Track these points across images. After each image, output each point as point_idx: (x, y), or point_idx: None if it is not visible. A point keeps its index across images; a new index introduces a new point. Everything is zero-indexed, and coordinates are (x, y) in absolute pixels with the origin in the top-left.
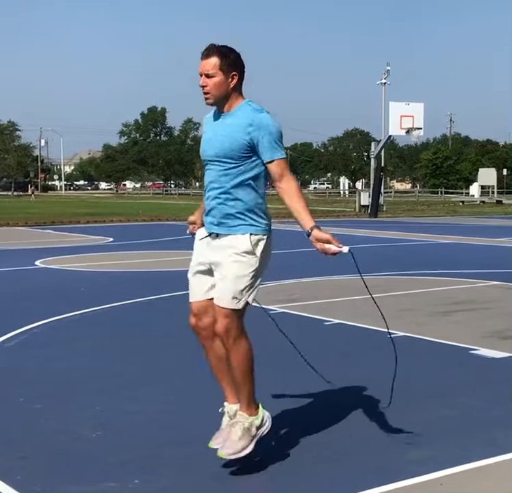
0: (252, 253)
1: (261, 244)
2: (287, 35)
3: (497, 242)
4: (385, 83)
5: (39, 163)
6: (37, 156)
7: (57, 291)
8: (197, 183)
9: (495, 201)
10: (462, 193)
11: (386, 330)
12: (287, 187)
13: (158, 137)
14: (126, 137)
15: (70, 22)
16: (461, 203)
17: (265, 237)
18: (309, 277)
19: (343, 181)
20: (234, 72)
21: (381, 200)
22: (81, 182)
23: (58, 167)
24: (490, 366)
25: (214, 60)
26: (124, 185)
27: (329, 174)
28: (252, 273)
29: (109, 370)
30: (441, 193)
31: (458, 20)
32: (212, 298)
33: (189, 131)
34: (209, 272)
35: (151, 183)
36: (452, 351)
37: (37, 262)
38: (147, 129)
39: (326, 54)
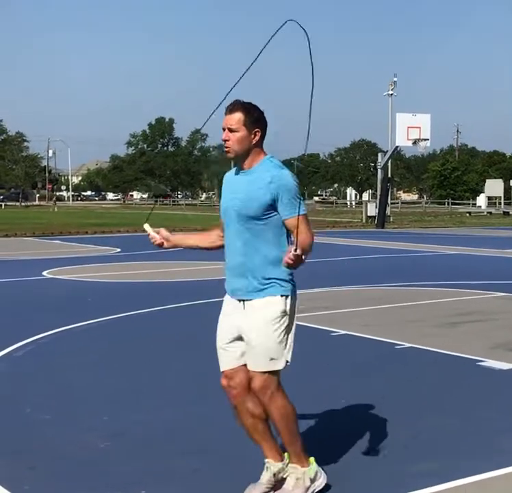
0: (283, 312)
1: (290, 302)
2: (293, 44)
3: (504, 253)
4: (391, 94)
5: (47, 174)
6: (45, 167)
7: (65, 301)
8: (204, 194)
9: (502, 212)
10: (469, 204)
11: (393, 341)
12: (299, 239)
13: (165, 148)
14: (133, 147)
15: (78, 32)
16: (467, 214)
17: (293, 294)
18: (317, 288)
19: (350, 192)
20: (257, 129)
21: (388, 211)
22: (88, 193)
23: (66, 178)
24: (497, 378)
25: (238, 115)
26: (132, 195)
27: (336, 185)
28: (285, 332)
29: (116, 380)
30: (448, 204)
31: (464, 32)
32: (244, 364)
33: (196, 142)
34: (239, 338)
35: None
36: (459, 363)
37: (44, 272)
38: (154, 140)
39: (333, 65)
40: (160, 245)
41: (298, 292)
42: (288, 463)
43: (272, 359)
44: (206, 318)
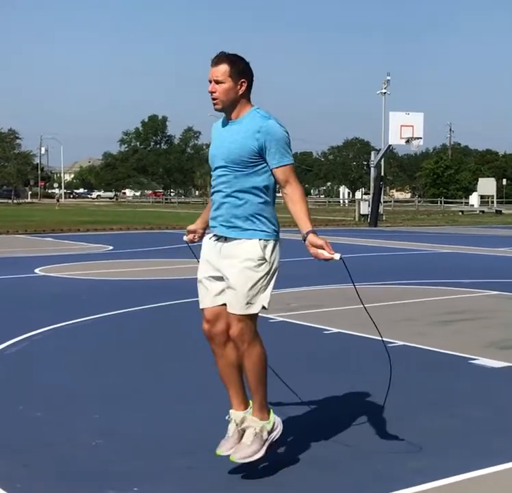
0: (262, 258)
1: (271, 249)
2: (287, 43)
3: (496, 252)
4: (385, 92)
5: (39, 171)
6: (37, 164)
7: (57, 299)
8: (197, 192)
9: (494, 211)
10: (461, 203)
11: (385, 339)
12: (291, 193)
13: (158, 146)
14: (126, 145)
15: (71, 29)
16: (460, 213)
17: (274, 241)
18: (309, 286)
19: (343, 191)
20: (243, 80)
21: (381, 209)
22: (81, 190)
23: (58, 175)
24: (489, 376)
25: (224, 67)
26: (124, 193)
27: (329, 184)
28: (264, 277)
29: (108, 378)
30: (441, 202)
31: (456, 31)
32: (223, 304)
33: (189, 139)
34: (218, 277)
35: (151, 192)
36: (451, 361)
37: (36, 270)
38: (147, 138)
39: (327, 64)
40: (193, 240)
41: (291, 290)
42: (249, 414)
43: (248, 303)
44: (199, 315)
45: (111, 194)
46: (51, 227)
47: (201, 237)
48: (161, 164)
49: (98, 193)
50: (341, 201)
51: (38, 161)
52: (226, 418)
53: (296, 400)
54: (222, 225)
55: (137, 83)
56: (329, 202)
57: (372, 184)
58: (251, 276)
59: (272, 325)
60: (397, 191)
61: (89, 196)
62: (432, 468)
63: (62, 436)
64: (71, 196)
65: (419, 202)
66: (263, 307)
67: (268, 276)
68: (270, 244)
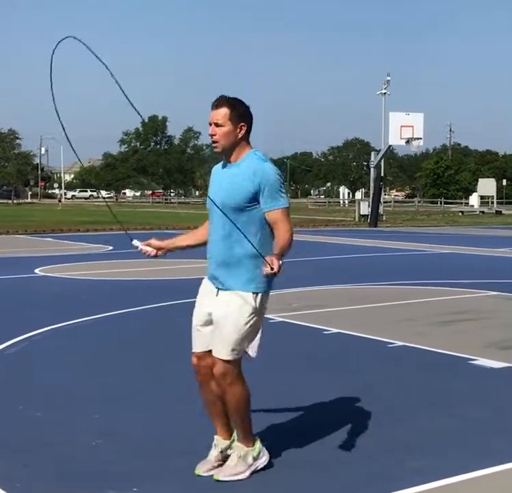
0: (254, 309)
1: (261, 300)
2: (287, 43)
3: (496, 253)
4: (385, 93)
5: (39, 172)
6: (37, 164)
7: (57, 299)
8: (197, 192)
9: (494, 211)
10: (461, 203)
11: (385, 340)
12: (277, 236)
13: (158, 146)
14: (126, 145)
15: (71, 29)
16: (460, 213)
17: (266, 291)
18: (309, 286)
19: (343, 191)
20: (242, 123)
21: (381, 209)
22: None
23: (58, 175)
24: (489, 376)
25: (224, 111)
26: (124, 193)
27: (329, 184)
28: (252, 327)
29: (108, 378)
30: (441, 203)
31: (457, 31)
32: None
33: (189, 140)
34: (211, 321)
35: (150, 192)
36: (451, 361)
37: (36, 270)
38: (147, 138)
39: (326, 64)
40: (155, 256)
41: (291, 290)
42: (234, 442)
43: (233, 350)
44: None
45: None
46: (51, 227)
47: (156, 256)
48: (161, 165)
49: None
50: (341, 202)
51: (38, 162)
52: (214, 442)
53: (292, 401)
54: (215, 277)
55: (137, 84)
56: (329, 202)
57: (371, 184)
58: (240, 326)
59: (272, 325)
60: (397, 191)
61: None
62: (431, 468)
63: (62, 436)
64: (71, 196)
65: (419, 202)
66: (247, 353)
67: (256, 326)
68: (263, 296)
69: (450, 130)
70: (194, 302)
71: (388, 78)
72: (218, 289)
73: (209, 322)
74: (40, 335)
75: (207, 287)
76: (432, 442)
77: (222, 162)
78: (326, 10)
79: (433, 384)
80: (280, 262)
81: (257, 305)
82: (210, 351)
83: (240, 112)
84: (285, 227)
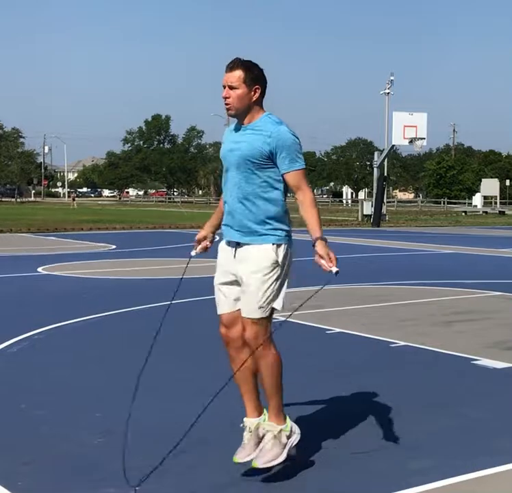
0: (275, 262)
1: (283, 252)
2: (290, 44)
3: (499, 253)
4: (388, 92)
5: (42, 170)
6: (40, 163)
7: (60, 298)
8: (200, 191)
9: (497, 212)
10: (465, 203)
11: (388, 339)
12: (302, 198)
13: (161, 145)
14: (129, 144)
15: (74, 28)
16: (463, 213)
17: (286, 245)
18: (311, 286)
19: (346, 191)
20: (257, 86)
21: (384, 209)
22: (84, 189)
23: (61, 174)
24: (492, 376)
25: (238, 73)
26: (127, 192)
27: (332, 184)
28: (277, 281)
29: (110, 377)
30: (444, 203)
31: (461, 31)
32: (239, 309)
33: (192, 139)
34: (234, 282)
35: (154, 191)
36: (453, 361)
37: (39, 269)
38: (151, 137)
39: (330, 63)
40: (210, 243)
41: (294, 290)
42: (265, 420)
43: (260, 307)
44: (200, 315)
45: (108, 192)
46: (54, 226)
47: (212, 242)
48: (164, 163)
49: (105, 192)
50: (344, 201)
51: (42, 160)
52: (241, 425)
53: (295, 400)
54: (235, 230)
55: (141, 83)
56: (332, 202)
57: (375, 184)
58: (264, 281)
59: (272, 325)
60: (400, 191)
61: (92, 195)
62: (433, 468)
63: (64, 434)
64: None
65: (422, 202)
66: (274, 309)
67: (281, 279)
68: (283, 248)
69: (454, 130)
70: (198, 301)
71: (391, 77)
72: (236, 248)
73: (230, 282)
74: (42, 334)
75: (225, 249)
76: (435, 442)
77: (233, 125)
78: (328, 10)
79: (436, 384)
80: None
81: (279, 257)
82: (236, 315)
83: (255, 75)
84: (308, 191)
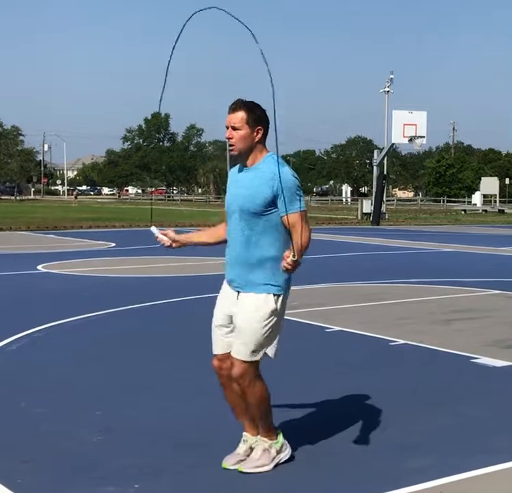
0: (274, 311)
1: (281, 302)
2: (289, 41)
3: (499, 251)
4: (388, 91)
5: (42, 168)
6: (40, 161)
7: (59, 295)
8: (199, 190)
9: (497, 210)
10: (464, 202)
11: (387, 338)
12: (295, 239)
13: (161, 143)
14: (129, 142)
15: (73, 27)
16: (463, 212)
17: (285, 294)
18: (311, 284)
19: (346, 189)
20: (259, 127)
21: (383, 208)
22: (84, 187)
23: (61, 172)
24: (491, 375)
25: (241, 114)
26: (127, 190)
27: (332, 182)
28: (271, 328)
29: (110, 374)
30: (444, 202)
31: (461, 30)
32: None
33: (192, 137)
34: (231, 324)
35: (153, 189)
36: (452, 359)
37: (39, 267)
38: (150, 135)
39: (330, 62)
40: (169, 246)
41: (294, 288)
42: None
43: (253, 351)
44: (199, 313)
45: (107, 190)
46: (54, 224)
47: (171, 247)
48: (164, 162)
49: (105, 190)
50: (344, 200)
51: (41, 158)
52: (243, 438)
53: (295, 398)
54: (234, 280)
55: (141, 83)
56: (331, 200)
57: (374, 183)
58: (260, 328)
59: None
60: (399, 190)
61: (91, 193)
62: (433, 467)
63: (63, 432)
64: (74, 193)
65: (421, 201)
66: (266, 355)
67: (276, 327)
68: (282, 298)
69: (454, 129)
70: (196, 299)
71: (391, 76)
72: (238, 292)
73: (228, 323)
74: (42, 332)
75: (227, 289)
76: (434, 440)
77: (238, 166)
78: (328, 10)
79: (435, 382)
80: (296, 259)
81: (277, 307)
82: (229, 354)
83: (257, 116)
84: (302, 230)
